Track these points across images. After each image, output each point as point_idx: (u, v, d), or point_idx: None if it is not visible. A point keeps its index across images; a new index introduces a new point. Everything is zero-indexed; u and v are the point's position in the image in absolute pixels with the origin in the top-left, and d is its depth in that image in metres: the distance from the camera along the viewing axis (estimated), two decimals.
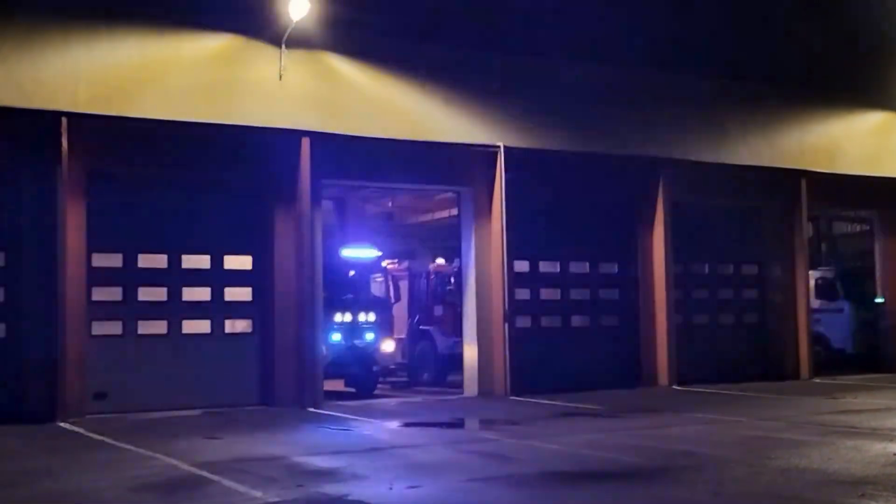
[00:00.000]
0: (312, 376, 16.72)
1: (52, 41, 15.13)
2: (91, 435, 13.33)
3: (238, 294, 17.09)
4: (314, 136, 16.70)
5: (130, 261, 16.32)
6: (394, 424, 14.79)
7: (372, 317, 20.28)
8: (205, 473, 10.05)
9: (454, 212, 20.67)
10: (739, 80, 21.05)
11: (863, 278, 24.94)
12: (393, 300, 23.09)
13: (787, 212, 22.05)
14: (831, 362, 23.42)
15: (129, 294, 16.28)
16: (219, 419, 15.10)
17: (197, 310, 16.75)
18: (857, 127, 22.77)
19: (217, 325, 16.91)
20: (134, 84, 15.66)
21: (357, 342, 19.85)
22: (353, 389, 20.21)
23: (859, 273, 25.40)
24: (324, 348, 18.78)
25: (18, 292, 15.16)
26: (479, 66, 18.52)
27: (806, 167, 21.83)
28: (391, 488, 9.32)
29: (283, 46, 16.48)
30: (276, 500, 8.76)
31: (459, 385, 19.40)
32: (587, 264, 20.43)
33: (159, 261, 16.52)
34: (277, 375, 16.75)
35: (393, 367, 22.40)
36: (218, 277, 16.96)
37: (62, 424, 14.38)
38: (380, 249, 22.70)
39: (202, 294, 16.82)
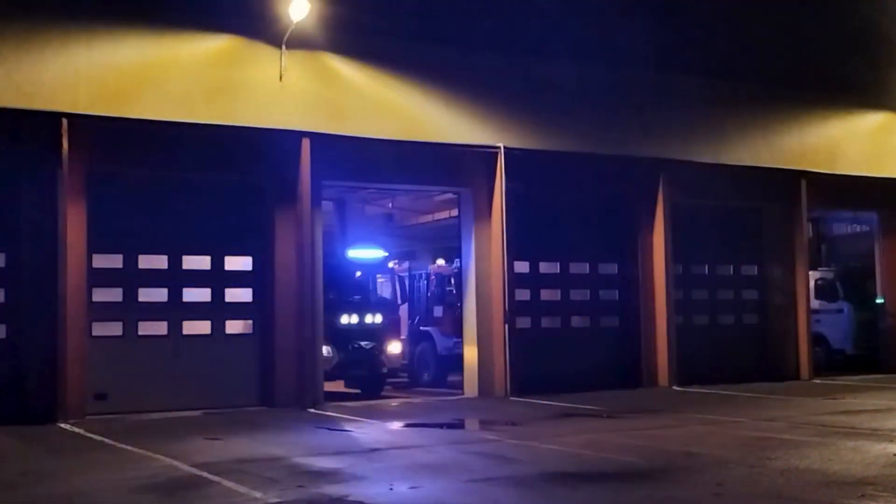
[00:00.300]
0: (313, 377, 16.74)
1: (52, 42, 15.14)
2: (91, 436, 13.34)
3: (238, 295, 17.10)
4: (314, 136, 16.71)
5: (131, 262, 16.34)
6: (394, 425, 14.79)
7: (379, 318, 20.22)
8: (205, 474, 10.06)
9: (454, 213, 20.68)
10: (740, 81, 21.06)
11: (863, 279, 24.94)
12: (399, 301, 23.09)
13: (786, 212, 22.06)
14: (831, 363, 23.44)
15: (130, 295, 16.29)
16: (219, 420, 15.10)
17: (197, 311, 16.76)
18: (857, 127, 22.78)
19: (217, 326, 16.92)
20: (134, 85, 15.67)
21: (364, 344, 19.77)
22: (353, 391, 20.20)
23: (859, 273, 25.39)
24: (330, 350, 18.79)
25: (19, 293, 15.17)
26: (480, 67, 18.53)
27: (806, 168, 21.85)
28: (392, 489, 9.33)
29: (284, 47, 16.49)
30: (277, 500, 8.77)
31: (459, 386, 19.41)
32: (587, 265, 20.45)
33: (160, 262, 16.54)
34: (278, 376, 16.75)
35: (400, 368, 22.30)
36: (218, 278, 16.97)
37: (62, 425, 14.39)
38: (385, 250, 22.66)
39: (202, 295, 16.83)
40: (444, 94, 18.09)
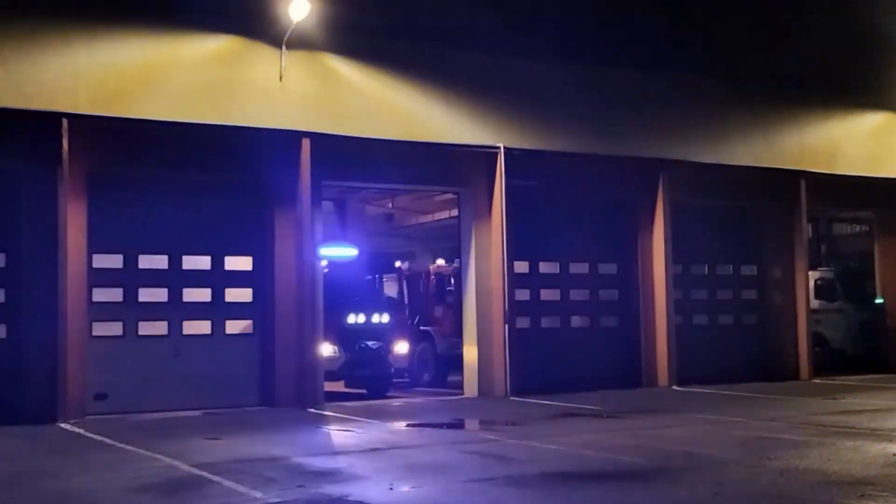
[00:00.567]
0: (313, 377, 16.74)
1: (52, 42, 15.14)
2: (91, 435, 13.34)
3: (238, 295, 17.11)
4: (314, 136, 16.71)
5: (131, 262, 16.34)
6: (394, 425, 14.79)
7: (385, 318, 20.12)
8: (205, 474, 10.06)
9: (454, 213, 20.68)
10: (739, 81, 21.07)
11: (863, 278, 24.96)
12: (406, 301, 23.05)
13: (786, 212, 22.06)
14: (831, 362, 23.43)
15: (130, 295, 16.30)
16: (219, 420, 15.10)
17: (197, 311, 16.76)
18: (857, 127, 22.79)
19: (217, 326, 16.92)
20: (134, 85, 15.67)
21: (370, 344, 19.71)
22: (358, 390, 20.16)
23: (859, 273, 25.41)
24: (336, 350, 18.77)
25: (19, 293, 15.17)
26: (479, 67, 18.53)
27: (805, 168, 21.85)
28: (391, 489, 9.33)
29: (284, 47, 16.50)
30: (277, 500, 8.77)
31: (459, 386, 19.42)
32: (587, 265, 20.45)
33: (160, 262, 16.54)
34: (278, 376, 16.76)
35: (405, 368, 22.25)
36: (218, 278, 16.97)
37: (63, 425, 14.40)
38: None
39: (203, 295, 16.83)
40: (444, 94, 18.09)
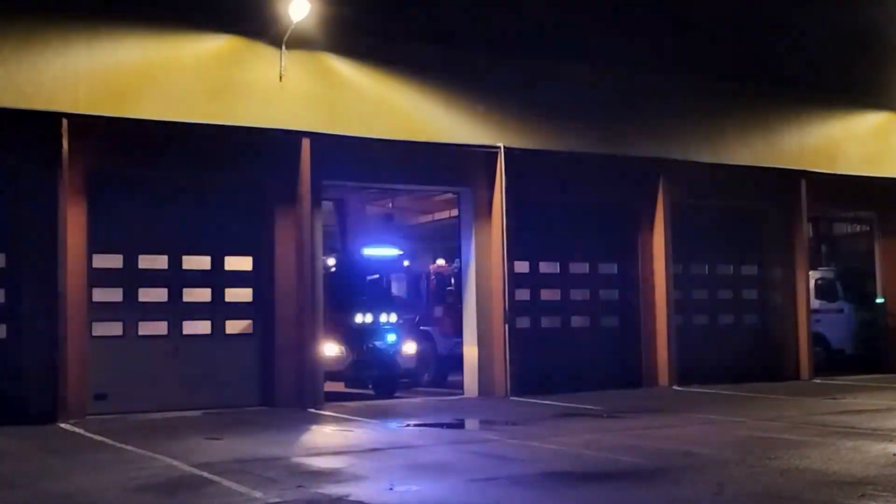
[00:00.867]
0: (313, 377, 16.73)
1: (52, 42, 15.14)
2: (91, 436, 13.34)
3: (239, 295, 17.11)
4: (314, 136, 16.71)
5: (131, 262, 16.34)
6: (394, 425, 14.80)
7: (394, 318, 20.02)
8: (205, 474, 10.06)
9: (454, 213, 20.68)
10: (739, 81, 21.07)
11: (863, 279, 24.94)
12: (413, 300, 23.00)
13: (787, 212, 22.06)
14: (831, 363, 23.43)
15: (130, 295, 16.30)
16: (219, 420, 15.10)
17: (197, 311, 16.76)
18: (857, 127, 22.78)
19: (218, 326, 16.92)
20: (134, 85, 15.67)
21: (378, 343, 19.51)
22: (354, 390, 20.16)
23: (859, 273, 25.39)
24: (343, 350, 18.71)
25: (19, 293, 15.18)
26: (479, 67, 18.54)
27: (806, 168, 21.85)
28: (392, 489, 9.33)
29: (284, 48, 16.50)
30: (277, 500, 8.77)
31: (460, 386, 19.41)
32: (587, 265, 20.46)
33: (160, 262, 16.54)
34: (278, 376, 16.76)
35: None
36: (218, 278, 16.97)
37: (63, 425, 14.39)
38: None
39: (203, 295, 16.84)
40: (444, 94, 18.09)
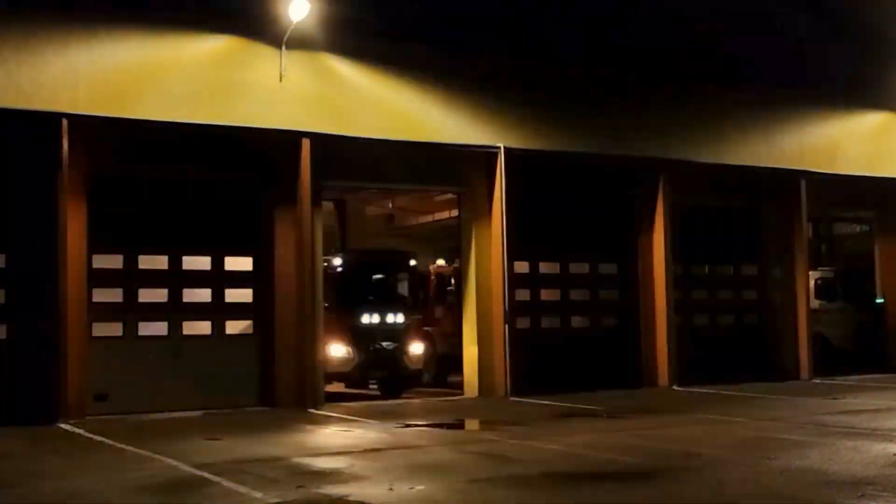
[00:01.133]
0: (313, 377, 16.73)
1: (52, 42, 15.14)
2: (92, 436, 13.34)
3: (239, 295, 17.12)
4: (314, 137, 16.71)
5: (131, 262, 16.36)
6: (394, 425, 14.78)
7: (401, 318, 19.93)
8: (205, 474, 10.06)
9: (454, 213, 20.67)
10: (739, 81, 21.06)
11: (863, 278, 24.93)
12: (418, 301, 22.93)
13: (786, 212, 22.06)
14: (831, 362, 23.41)
15: (130, 295, 16.32)
16: (219, 420, 15.11)
17: (198, 311, 16.78)
18: (857, 127, 22.79)
19: (218, 327, 16.93)
20: (134, 85, 15.67)
21: (384, 344, 19.40)
22: (355, 391, 20.14)
23: (859, 273, 25.37)
24: (349, 351, 18.67)
25: (19, 294, 15.16)
26: (480, 67, 18.53)
27: (806, 168, 21.85)
28: (392, 489, 9.32)
29: (284, 48, 16.50)
30: (277, 500, 8.77)
31: (460, 386, 19.41)
32: (587, 265, 20.46)
33: (160, 262, 16.55)
34: (278, 376, 16.76)
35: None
36: (218, 278, 16.98)
37: (63, 425, 14.40)
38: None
39: (203, 295, 16.85)
40: (444, 93, 18.09)
